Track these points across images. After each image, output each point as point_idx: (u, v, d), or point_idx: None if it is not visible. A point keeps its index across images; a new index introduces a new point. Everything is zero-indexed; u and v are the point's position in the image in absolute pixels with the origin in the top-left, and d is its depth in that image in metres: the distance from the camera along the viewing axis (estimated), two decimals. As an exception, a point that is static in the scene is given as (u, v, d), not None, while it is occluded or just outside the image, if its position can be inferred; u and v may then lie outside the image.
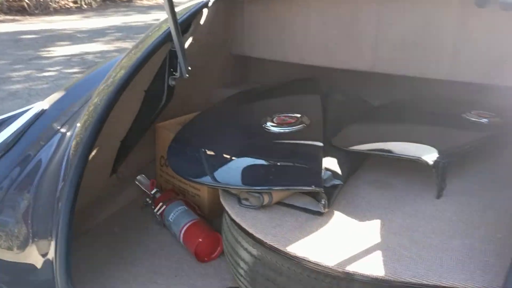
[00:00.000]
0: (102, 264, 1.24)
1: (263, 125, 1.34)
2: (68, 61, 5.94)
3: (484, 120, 1.37)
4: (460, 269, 0.86)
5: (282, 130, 1.31)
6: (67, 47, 6.80)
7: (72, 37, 7.56)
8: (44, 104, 1.50)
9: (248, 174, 1.15)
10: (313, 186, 1.03)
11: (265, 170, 1.16)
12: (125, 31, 8.13)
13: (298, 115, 1.37)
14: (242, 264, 1.07)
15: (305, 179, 1.07)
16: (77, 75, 5.26)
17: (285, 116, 1.38)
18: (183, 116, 1.61)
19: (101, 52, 6.43)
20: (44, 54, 6.35)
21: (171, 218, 1.35)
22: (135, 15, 10.08)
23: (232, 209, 1.08)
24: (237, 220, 1.05)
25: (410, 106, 1.58)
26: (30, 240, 1.14)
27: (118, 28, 8.47)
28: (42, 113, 1.47)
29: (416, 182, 1.17)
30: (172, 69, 1.45)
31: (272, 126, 1.33)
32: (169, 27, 1.36)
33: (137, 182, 1.47)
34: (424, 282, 0.84)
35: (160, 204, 1.39)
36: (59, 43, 7.07)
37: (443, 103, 1.57)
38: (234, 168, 1.17)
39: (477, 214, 1.04)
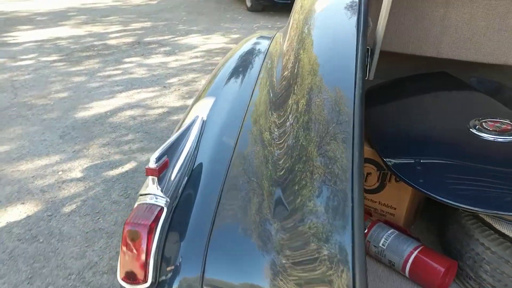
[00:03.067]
0: None
1: (477, 132, 1.19)
2: (41, 47, 5.35)
3: None
4: None
5: (508, 139, 1.16)
6: (31, 31, 6.14)
7: (33, 20, 6.86)
8: (200, 115, 1.25)
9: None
10: None
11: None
12: (89, 14, 7.51)
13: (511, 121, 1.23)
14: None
15: None
16: (58, 63, 4.76)
17: (495, 121, 1.23)
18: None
19: (73, 37, 5.87)
20: (9, 40, 5.68)
21: (383, 244, 1.17)
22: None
23: None
24: None
25: None
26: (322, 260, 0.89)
27: (79, 10, 7.82)
28: (204, 124, 1.23)
29: None
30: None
31: (488, 132, 1.18)
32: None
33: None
34: None
35: (360, 227, 1.21)
36: (20, 27, 6.38)
37: None
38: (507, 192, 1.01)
39: None
